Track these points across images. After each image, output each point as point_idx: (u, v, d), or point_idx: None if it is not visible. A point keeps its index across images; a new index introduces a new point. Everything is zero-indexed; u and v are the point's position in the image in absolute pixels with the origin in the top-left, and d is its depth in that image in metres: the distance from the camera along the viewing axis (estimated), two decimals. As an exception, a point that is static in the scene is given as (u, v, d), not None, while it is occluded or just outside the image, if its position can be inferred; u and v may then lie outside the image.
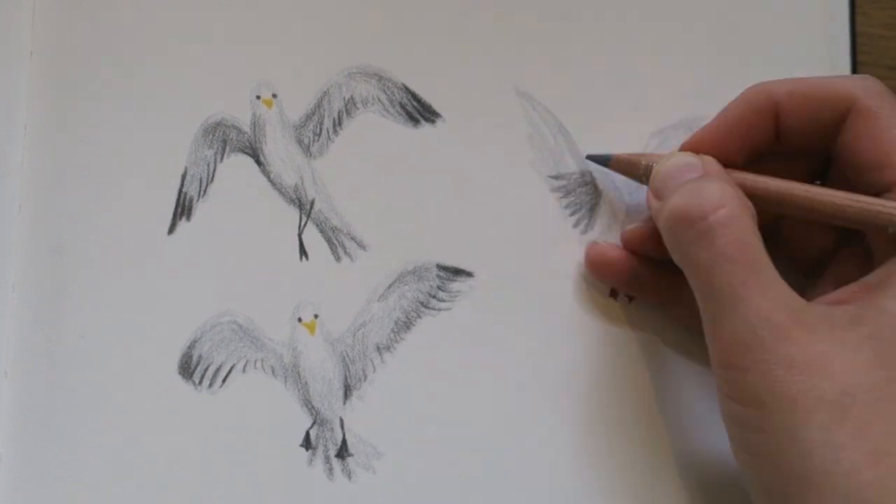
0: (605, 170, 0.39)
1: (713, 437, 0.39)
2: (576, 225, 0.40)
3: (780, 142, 0.36)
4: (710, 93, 0.40)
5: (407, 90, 0.40)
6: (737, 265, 0.31)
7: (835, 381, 0.30)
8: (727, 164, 0.36)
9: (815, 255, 0.38)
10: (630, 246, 0.39)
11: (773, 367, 0.30)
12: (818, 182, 0.37)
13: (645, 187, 0.38)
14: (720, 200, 0.32)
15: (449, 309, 0.39)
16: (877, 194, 0.34)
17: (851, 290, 0.33)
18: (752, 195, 0.34)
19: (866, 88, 0.34)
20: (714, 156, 0.36)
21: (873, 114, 0.34)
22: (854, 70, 0.42)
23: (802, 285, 0.36)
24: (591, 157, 0.39)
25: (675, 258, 0.34)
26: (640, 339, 0.39)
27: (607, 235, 0.40)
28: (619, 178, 0.40)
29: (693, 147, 0.37)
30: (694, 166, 0.35)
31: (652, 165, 0.37)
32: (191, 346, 0.38)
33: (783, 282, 0.32)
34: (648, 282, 0.38)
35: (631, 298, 0.40)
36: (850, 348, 0.31)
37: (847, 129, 0.34)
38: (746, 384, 0.31)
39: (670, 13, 0.42)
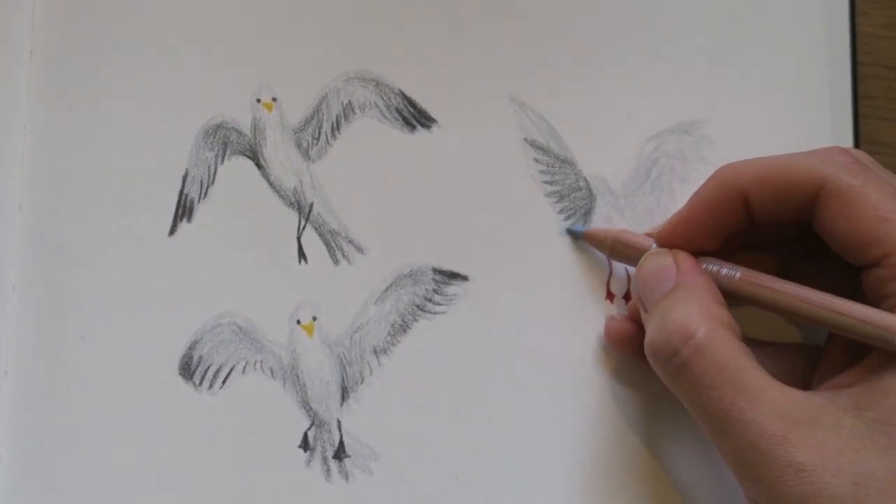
0: (604, 177, 0.39)
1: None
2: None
3: (756, 223, 0.36)
4: (708, 96, 0.41)
5: (403, 96, 0.41)
6: (720, 391, 0.31)
7: (844, 475, 0.30)
8: (702, 245, 0.36)
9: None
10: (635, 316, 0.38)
11: (780, 474, 0.30)
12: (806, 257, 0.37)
13: (638, 192, 0.38)
14: (687, 330, 0.32)
15: (444, 312, 0.39)
16: (865, 267, 0.33)
17: (855, 371, 0.33)
18: (731, 293, 0.35)
19: (833, 167, 0.33)
20: (689, 243, 0.36)
21: (844, 193, 0.33)
22: (854, 69, 0.42)
23: (812, 368, 0.36)
24: (569, 231, 0.40)
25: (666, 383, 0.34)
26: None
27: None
28: (614, 183, 0.40)
29: (666, 235, 0.37)
30: (668, 272, 0.35)
31: (617, 240, 0.38)
32: (191, 347, 0.38)
33: (773, 385, 0.31)
34: None
35: (627, 301, 0.40)
36: (857, 436, 0.30)
37: (820, 211, 0.33)
38: (761, 493, 0.31)
39: (667, 14, 0.42)
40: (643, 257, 0.37)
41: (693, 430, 0.39)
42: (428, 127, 0.40)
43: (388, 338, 0.39)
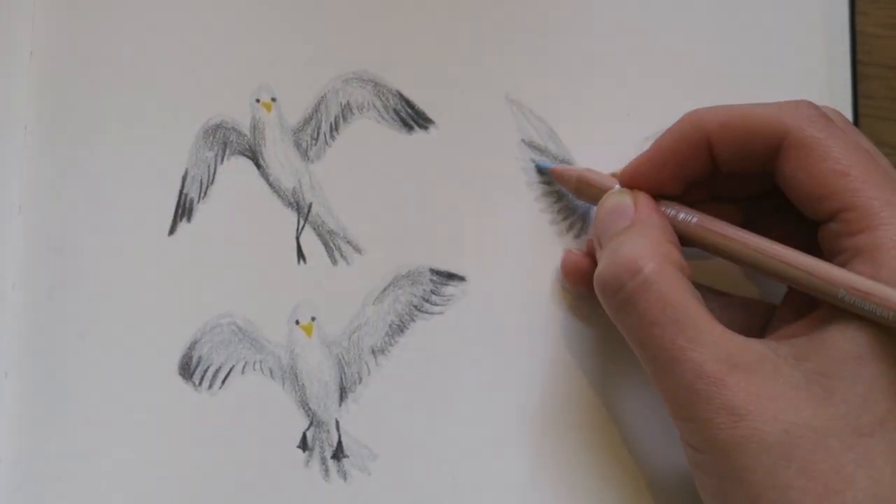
0: None
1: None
2: (568, 229, 0.40)
3: (719, 169, 0.36)
4: (707, 95, 0.40)
5: (401, 97, 0.41)
6: (662, 328, 0.31)
7: (777, 423, 0.30)
8: (665, 188, 0.36)
9: None
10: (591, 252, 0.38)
11: (713, 416, 0.30)
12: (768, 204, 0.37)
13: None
14: (634, 264, 0.32)
15: (442, 313, 0.39)
16: (821, 223, 0.33)
17: (801, 324, 0.33)
18: (686, 237, 0.35)
19: (798, 118, 0.33)
20: (651, 185, 0.36)
21: (806, 145, 0.33)
22: (854, 69, 0.42)
23: (764, 323, 0.36)
24: (538, 167, 0.40)
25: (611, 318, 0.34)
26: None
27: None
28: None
29: (629, 175, 0.36)
30: (625, 211, 0.35)
31: (581, 178, 0.38)
32: (191, 347, 0.38)
33: (716, 327, 0.32)
34: None
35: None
36: (793, 386, 0.31)
37: (782, 161, 0.34)
38: (695, 433, 0.31)
39: (666, 14, 0.42)
40: (604, 196, 0.37)
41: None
42: (425, 128, 0.40)
43: (386, 338, 0.39)
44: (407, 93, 0.41)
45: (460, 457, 0.38)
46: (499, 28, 0.41)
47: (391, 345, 0.39)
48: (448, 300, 0.39)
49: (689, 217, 0.35)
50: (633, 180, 0.36)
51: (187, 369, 0.38)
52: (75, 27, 0.40)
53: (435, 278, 0.40)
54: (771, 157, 0.34)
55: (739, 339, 0.32)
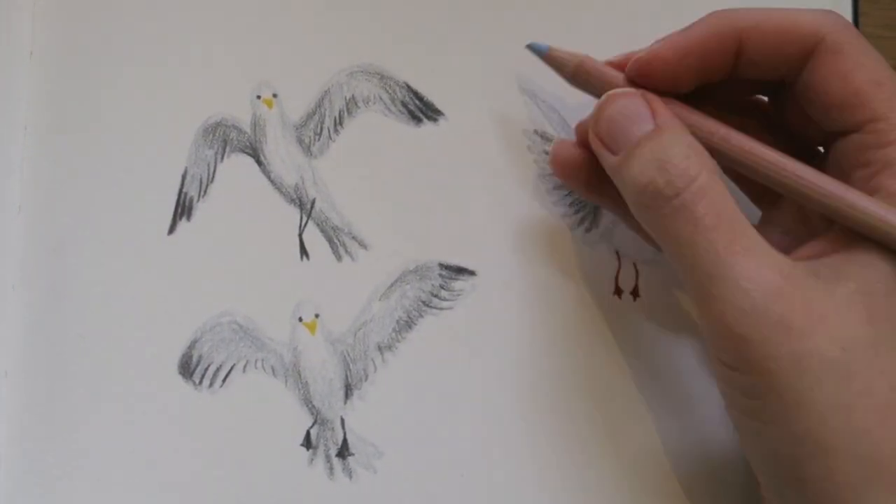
0: None
1: (719, 432, 0.38)
2: (580, 223, 0.40)
3: (737, 72, 0.35)
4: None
5: (409, 88, 0.40)
6: (718, 232, 0.31)
7: (835, 340, 0.29)
8: (676, 85, 0.35)
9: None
10: (583, 142, 0.37)
11: (772, 331, 0.30)
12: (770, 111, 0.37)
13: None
14: (690, 170, 0.32)
15: (451, 308, 0.39)
16: (842, 133, 0.33)
17: (824, 243, 0.33)
18: (709, 148, 0.33)
19: (834, 24, 0.33)
20: (662, 81, 0.34)
21: (842, 51, 0.32)
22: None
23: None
24: (531, 47, 0.37)
25: (647, 228, 0.33)
26: (643, 337, 0.39)
27: (611, 234, 0.40)
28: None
29: (644, 62, 0.35)
30: (644, 115, 0.33)
31: (581, 66, 0.36)
32: (191, 346, 0.38)
33: (765, 241, 0.31)
34: (608, 185, 0.36)
35: (636, 296, 0.39)
36: (842, 304, 0.30)
37: (813, 66, 0.33)
38: (747, 352, 0.30)
39: (672, 10, 0.41)
40: (609, 94, 0.35)
41: (700, 422, 0.39)
42: (434, 120, 0.40)
43: (393, 334, 0.39)
44: (415, 84, 0.40)
45: (468, 454, 0.38)
46: (508, 16, 0.41)
47: (398, 341, 0.39)
48: (457, 295, 0.39)
49: (710, 126, 0.34)
50: (643, 74, 0.35)
51: (187, 368, 0.38)
52: (75, 27, 0.40)
53: (444, 273, 0.39)
54: (801, 60, 0.33)
55: (785, 257, 0.31)
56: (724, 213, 0.31)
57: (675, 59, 0.34)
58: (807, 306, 0.30)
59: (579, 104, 0.40)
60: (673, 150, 0.32)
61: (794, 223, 0.35)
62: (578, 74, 0.36)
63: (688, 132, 0.33)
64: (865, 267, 0.31)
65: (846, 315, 0.30)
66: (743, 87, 0.36)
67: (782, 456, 0.30)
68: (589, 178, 0.37)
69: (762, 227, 0.36)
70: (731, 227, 0.31)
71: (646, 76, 0.35)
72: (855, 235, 0.32)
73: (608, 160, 0.34)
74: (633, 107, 0.34)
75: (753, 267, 0.30)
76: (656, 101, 0.34)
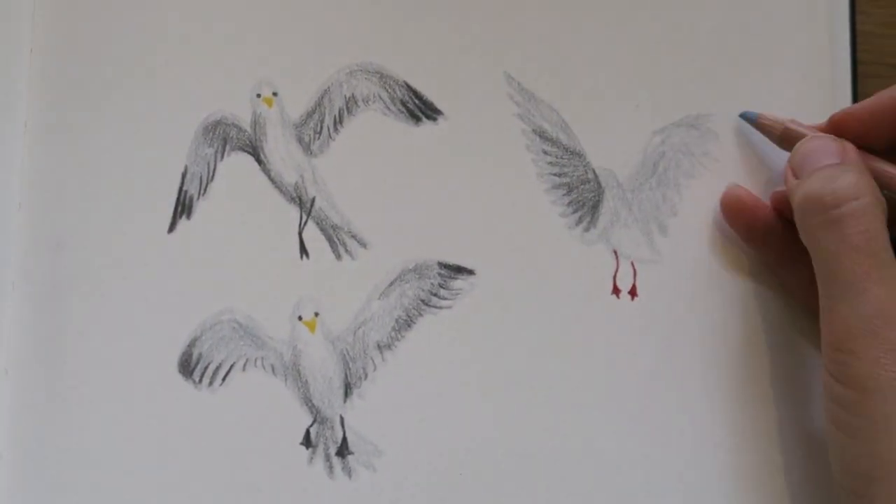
0: (612, 169, 0.39)
1: (715, 432, 0.39)
2: (578, 223, 0.40)
3: None
4: (712, 91, 0.41)
5: (408, 88, 0.40)
6: (862, 255, 0.33)
7: None
8: (868, 146, 0.37)
9: None
10: (776, 205, 0.39)
11: (881, 354, 0.31)
12: None
13: (644, 186, 0.38)
14: (855, 191, 0.34)
15: (450, 307, 0.39)
16: None
17: None
18: (888, 187, 0.35)
19: None
20: (858, 134, 0.37)
21: None
22: (854, 68, 0.42)
23: None
24: (743, 115, 0.40)
25: (803, 238, 0.35)
26: (642, 337, 0.39)
27: (609, 233, 0.40)
28: (622, 176, 0.40)
29: (839, 122, 0.38)
30: (833, 151, 0.36)
31: (789, 132, 0.38)
32: (191, 345, 0.38)
33: None
34: (776, 236, 0.39)
35: (633, 296, 0.40)
36: None
37: None
38: (853, 368, 0.32)
39: (672, 12, 0.42)
40: (809, 136, 0.38)
41: (701, 421, 0.39)
42: (434, 119, 0.40)
43: (393, 333, 0.39)
44: (414, 83, 0.40)
45: (468, 452, 0.38)
46: (509, 17, 0.41)
47: (398, 340, 0.39)
48: (456, 294, 0.39)
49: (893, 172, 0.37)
50: (842, 125, 0.38)
51: (187, 367, 0.38)
52: (75, 26, 0.40)
53: (443, 272, 0.39)
54: None
55: None
56: (873, 239, 0.33)
57: (868, 118, 0.37)
58: None
59: (578, 104, 0.40)
60: (847, 175, 0.35)
61: None
62: (785, 139, 0.39)
63: (868, 171, 0.35)
64: None
65: None
66: None
67: (858, 473, 0.32)
68: (755, 223, 0.39)
69: None
70: (874, 254, 0.33)
71: (843, 129, 0.37)
72: None
73: (791, 183, 0.36)
74: (825, 145, 0.37)
75: (883, 296, 0.32)
76: (848, 145, 0.36)
